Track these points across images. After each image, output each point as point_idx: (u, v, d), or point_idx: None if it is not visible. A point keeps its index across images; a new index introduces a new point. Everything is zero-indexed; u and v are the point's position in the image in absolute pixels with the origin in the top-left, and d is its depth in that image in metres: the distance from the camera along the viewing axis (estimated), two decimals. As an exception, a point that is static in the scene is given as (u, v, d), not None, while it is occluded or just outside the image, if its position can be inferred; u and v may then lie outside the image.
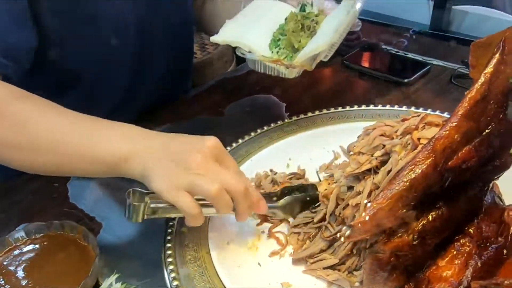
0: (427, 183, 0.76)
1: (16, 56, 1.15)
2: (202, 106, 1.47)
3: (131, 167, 0.92)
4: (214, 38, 1.17)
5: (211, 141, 0.91)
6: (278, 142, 1.20)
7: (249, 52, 1.16)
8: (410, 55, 1.62)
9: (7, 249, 0.99)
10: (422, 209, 0.78)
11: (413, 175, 0.75)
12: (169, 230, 1.00)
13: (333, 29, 1.09)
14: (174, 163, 0.89)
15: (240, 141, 1.20)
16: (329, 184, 0.96)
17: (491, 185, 0.86)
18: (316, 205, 1.00)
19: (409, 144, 0.85)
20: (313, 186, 1.04)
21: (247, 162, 1.15)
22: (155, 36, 1.37)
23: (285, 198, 1.01)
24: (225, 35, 1.18)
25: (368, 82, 1.54)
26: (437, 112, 1.18)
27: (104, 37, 1.27)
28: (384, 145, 0.88)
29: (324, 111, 1.27)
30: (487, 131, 0.79)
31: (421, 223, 0.79)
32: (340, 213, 0.91)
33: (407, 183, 0.75)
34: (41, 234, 1.01)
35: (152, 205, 0.90)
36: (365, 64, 1.59)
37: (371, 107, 1.27)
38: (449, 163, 0.77)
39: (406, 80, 1.48)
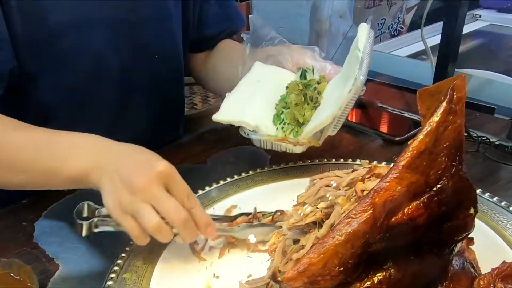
0: (366, 239, 0.68)
1: None
2: (187, 154, 1.42)
3: (91, 181, 0.96)
4: (215, 117, 1.14)
5: (162, 166, 0.91)
6: (246, 191, 1.15)
7: (253, 131, 1.12)
8: (406, 114, 1.55)
9: None
10: (366, 268, 0.71)
11: (349, 229, 0.67)
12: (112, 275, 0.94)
13: (336, 101, 1.04)
14: (123, 184, 0.90)
15: (207, 188, 1.15)
16: (278, 237, 0.89)
17: (457, 249, 0.78)
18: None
19: (353, 196, 0.78)
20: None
21: (209, 210, 1.10)
22: (139, 83, 1.36)
23: (239, 225, 1.00)
24: (226, 113, 1.15)
25: (358, 138, 1.47)
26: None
27: (82, 78, 1.24)
28: (329, 197, 0.81)
29: (300, 163, 1.21)
30: (438, 186, 0.72)
31: (365, 285, 0.71)
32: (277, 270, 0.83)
33: (342, 238, 0.67)
34: None
35: (98, 224, 0.94)
36: (357, 120, 1.53)
37: (349, 161, 1.20)
38: (393, 219, 0.69)
39: (397, 138, 1.41)
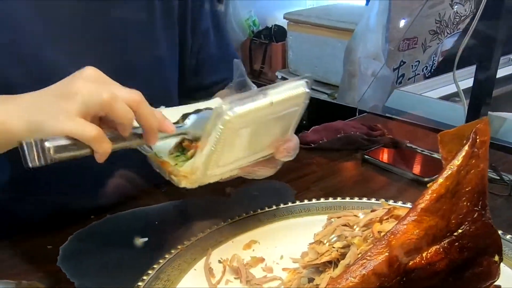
0: (381, 282, 0.65)
1: None
2: (211, 187, 1.40)
3: (15, 128, 0.83)
4: None
5: (90, 69, 0.83)
6: (266, 226, 1.12)
7: (149, 147, 0.98)
8: (436, 155, 1.51)
9: None
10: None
11: (363, 271, 0.64)
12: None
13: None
14: (56, 98, 0.80)
15: (229, 220, 1.13)
16: (294, 275, 0.86)
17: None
18: None
19: (370, 237, 0.74)
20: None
21: (228, 243, 1.07)
22: None
23: (189, 117, 0.94)
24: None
25: (386, 178, 1.43)
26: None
27: None
28: (345, 236, 0.78)
29: (322, 200, 1.17)
30: (459, 231, 0.68)
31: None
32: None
33: (356, 280, 0.64)
34: None
35: (47, 144, 0.76)
36: (386, 159, 1.49)
37: (373, 200, 1.16)
38: (410, 263, 0.66)
39: (426, 179, 1.36)
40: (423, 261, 0.66)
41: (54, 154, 0.77)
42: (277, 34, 3.98)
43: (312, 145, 1.58)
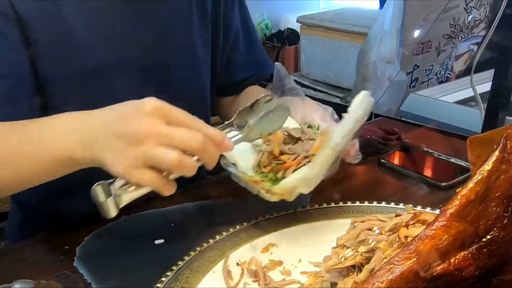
0: (408, 287, 0.63)
1: None
2: (229, 188, 1.39)
3: (81, 160, 0.89)
4: None
5: (150, 103, 0.84)
6: (285, 229, 1.11)
7: (233, 164, 1.09)
8: (453, 160, 1.49)
9: None
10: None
11: (390, 276, 0.63)
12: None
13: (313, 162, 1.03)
14: (122, 141, 0.83)
15: (245, 224, 1.12)
16: (315, 279, 0.84)
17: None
18: None
19: (396, 242, 0.73)
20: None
21: (246, 246, 1.06)
22: None
23: (247, 126, 0.98)
24: None
25: (402, 182, 1.41)
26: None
27: None
28: (370, 241, 0.76)
29: (341, 203, 1.16)
30: (488, 237, 0.66)
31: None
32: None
33: (383, 285, 0.62)
34: None
35: (121, 194, 0.86)
36: (402, 164, 1.47)
37: (392, 204, 1.14)
38: (438, 268, 0.64)
39: (443, 184, 1.35)
40: (451, 267, 0.65)
41: (127, 202, 0.88)
42: (290, 37, 3.97)
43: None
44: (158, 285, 0.95)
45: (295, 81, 3.30)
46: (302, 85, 3.36)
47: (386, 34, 2.88)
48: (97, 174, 1.26)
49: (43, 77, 1.17)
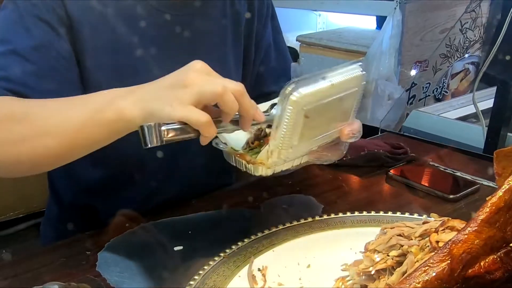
0: (442, 288, 0.65)
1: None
2: (241, 199, 1.41)
3: (132, 118, 0.90)
4: None
5: (199, 63, 0.90)
6: (303, 237, 1.11)
7: (224, 143, 1.10)
8: (458, 173, 1.52)
9: None
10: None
11: (426, 277, 0.65)
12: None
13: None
14: (171, 88, 0.87)
15: (266, 231, 1.13)
16: (343, 283, 0.86)
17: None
18: None
19: (427, 246, 0.75)
20: None
21: (269, 252, 1.07)
22: None
23: (275, 107, 0.96)
24: None
25: (411, 195, 1.44)
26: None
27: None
28: (401, 245, 0.78)
29: (356, 213, 1.17)
30: (514, 242, 0.69)
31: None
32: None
33: (419, 285, 0.65)
34: None
35: (163, 128, 0.86)
36: (410, 177, 1.49)
37: (406, 214, 1.16)
38: (469, 270, 0.67)
39: (451, 196, 1.37)
40: (481, 270, 0.67)
41: (168, 136, 0.86)
42: (290, 55, 3.98)
43: (336, 161, 1.59)
44: (187, 287, 0.96)
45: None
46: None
47: (384, 53, 2.92)
48: (136, 178, 1.30)
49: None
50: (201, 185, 1.44)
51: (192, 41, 1.32)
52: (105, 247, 1.20)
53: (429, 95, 3.09)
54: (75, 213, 1.45)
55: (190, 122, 0.85)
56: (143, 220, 1.30)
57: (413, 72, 3.00)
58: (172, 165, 1.38)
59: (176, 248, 1.18)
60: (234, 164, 1.08)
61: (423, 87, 3.06)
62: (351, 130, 1.04)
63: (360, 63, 1.00)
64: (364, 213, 1.18)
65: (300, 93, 0.90)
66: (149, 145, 0.86)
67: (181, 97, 0.85)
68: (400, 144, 1.64)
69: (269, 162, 0.99)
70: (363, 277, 0.81)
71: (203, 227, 1.28)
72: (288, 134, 0.95)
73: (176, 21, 1.28)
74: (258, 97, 1.51)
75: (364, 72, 0.99)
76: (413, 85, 2.97)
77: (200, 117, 0.85)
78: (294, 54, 3.88)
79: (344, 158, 1.57)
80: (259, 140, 1.07)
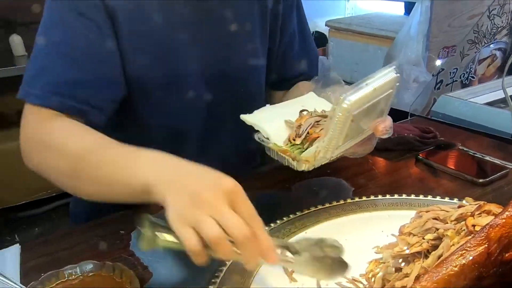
0: (479, 272, 0.63)
1: (101, 106, 1.16)
2: (273, 180, 1.39)
3: (154, 195, 0.88)
4: (243, 116, 1.15)
5: (228, 183, 0.84)
6: (335, 219, 1.09)
7: (267, 138, 1.12)
8: (487, 158, 1.48)
9: (59, 282, 0.97)
10: (473, 302, 0.65)
11: (463, 261, 0.63)
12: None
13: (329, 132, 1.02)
14: (188, 198, 0.83)
15: (298, 213, 1.11)
16: (376, 265, 0.84)
17: None
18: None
19: (463, 230, 0.72)
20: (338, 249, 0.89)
21: (301, 234, 1.05)
22: (224, 116, 1.38)
23: (303, 255, 0.87)
24: (253, 117, 1.15)
25: (440, 178, 1.40)
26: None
27: (173, 114, 1.31)
28: (436, 229, 0.76)
29: (388, 196, 1.15)
30: (551, 227, 0.66)
31: (473, 318, 0.66)
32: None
33: (456, 269, 0.62)
34: (93, 273, 0.99)
35: (160, 237, 0.85)
36: (439, 161, 1.46)
37: (437, 198, 1.14)
38: (506, 254, 0.64)
39: (481, 181, 1.33)
40: (518, 254, 0.65)
41: (161, 244, 0.86)
42: (318, 40, 3.96)
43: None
44: (222, 267, 0.95)
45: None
46: (330, 85, 3.35)
47: (412, 39, 2.88)
48: None
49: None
50: (231, 167, 1.42)
51: (223, 21, 1.31)
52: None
53: (456, 81, 3.04)
54: None
55: (182, 242, 0.82)
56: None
57: (440, 58, 2.95)
58: (202, 145, 1.38)
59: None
60: (276, 158, 1.11)
61: (450, 73, 3.00)
62: (384, 127, 1.06)
63: (394, 67, 1.05)
64: (396, 196, 1.15)
65: (350, 100, 0.96)
66: (140, 250, 0.89)
67: (185, 215, 0.82)
68: (429, 128, 1.61)
69: (315, 161, 1.05)
70: (398, 260, 0.79)
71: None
72: (336, 137, 1.01)
73: (207, 2, 1.27)
74: (281, 81, 1.50)
75: (398, 74, 1.06)
76: (440, 70, 2.92)
77: (188, 244, 0.81)
78: (323, 39, 3.86)
79: (374, 142, 1.56)
80: (300, 136, 1.10)
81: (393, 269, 0.79)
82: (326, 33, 3.72)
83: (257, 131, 1.15)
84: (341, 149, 1.07)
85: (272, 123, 1.14)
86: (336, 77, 1.28)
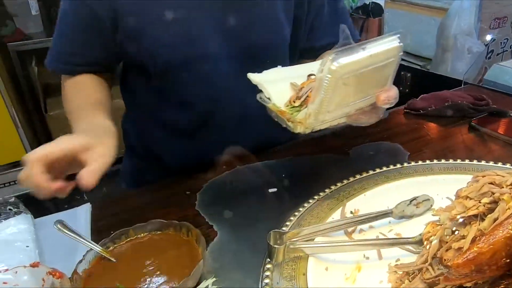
0: (536, 235, 0.61)
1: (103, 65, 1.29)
2: (331, 145, 1.38)
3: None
4: (250, 74, 1.08)
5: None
6: (393, 182, 1.07)
7: (268, 98, 1.04)
8: (540, 125, 1.43)
9: (128, 240, 0.99)
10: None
11: (520, 225, 0.60)
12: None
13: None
14: None
15: (357, 176, 1.10)
16: (433, 227, 0.82)
17: None
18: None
19: (518, 194, 0.70)
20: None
21: (360, 196, 1.04)
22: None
23: None
24: (260, 76, 1.07)
25: (493, 144, 1.36)
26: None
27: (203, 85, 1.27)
28: (492, 193, 0.73)
29: (443, 161, 1.12)
30: None
31: (526, 279, 0.64)
32: (441, 256, 0.76)
33: (512, 232, 0.60)
34: (161, 232, 1.00)
35: (291, 246, 0.86)
36: (492, 127, 1.42)
37: (491, 163, 1.10)
38: None
39: (532, 147, 1.29)
40: None
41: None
42: (374, 10, 3.88)
43: (422, 111, 1.53)
44: (284, 228, 0.95)
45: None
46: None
47: (465, 10, 2.80)
48: (210, 125, 1.29)
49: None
50: (270, 136, 1.41)
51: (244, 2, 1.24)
52: (203, 188, 1.21)
53: (506, 50, 2.96)
54: (145, 164, 1.46)
55: None
56: (238, 163, 1.30)
57: (491, 29, 2.87)
58: (241, 119, 1.34)
59: (270, 190, 1.17)
60: (276, 120, 1.03)
61: (501, 43, 2.93)
62: (387, 96, 0.97)
63: (399, 35, 0.93)
64: (451, 160, 1.13)
65: (340, 63, 0.87)
66: (276, 262, 0.88)
67: None
68: (482, 96, 1.56)
69: (307, 123, 0.96)
70: (455, 222, 0.77)
71: (295, 171, 1.26)
72: (326, 100, 0.91)
73: None
74: (309, 50, 1.40)
75: (401, 44, 0.93)
76: (491, 40, 2.83)
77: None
78: (379, 10, 3.78)
79: (429, 108, 1.52)
80: (300, 98, 1.02)
81: (451, 231, 0.77)
82: (382, 4, 3.65)
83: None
84: (337, 112, 0.97)
85: (277, 84, 1.07)
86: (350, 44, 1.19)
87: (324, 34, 1.40)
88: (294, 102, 1.01)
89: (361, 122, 1.02)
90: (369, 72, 0.92)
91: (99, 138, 0.96)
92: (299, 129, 0.97)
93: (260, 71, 1.12)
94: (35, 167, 0.87)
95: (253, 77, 1.07)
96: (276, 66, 1.20)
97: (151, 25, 1.17)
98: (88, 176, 0.88)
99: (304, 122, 0.96)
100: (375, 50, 0.90)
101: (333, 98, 0.91)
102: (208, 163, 1.28)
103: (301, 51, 1.42)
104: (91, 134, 0.97)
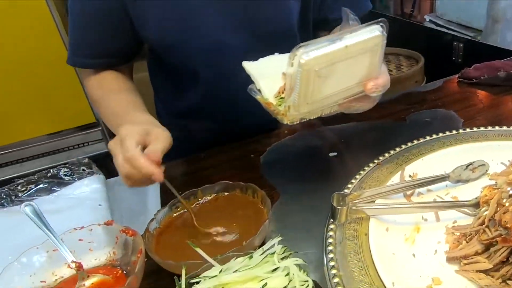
0: None
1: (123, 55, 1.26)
2: (389, 112, 1.35)
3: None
4: (244, 63, 1.01)
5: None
6: (449, 148, 1.04)
7: (259, 90, 0.97)
8: None
9: (198, 200, 1.00)
10: None
11: None
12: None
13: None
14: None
15: (415, 141, 1.07)
16: (490, 191, 0.79)
17: None
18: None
19: None
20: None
21: (418, 161, 1.02)
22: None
23: None
24: (255, 66, 1.01)
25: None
26: None
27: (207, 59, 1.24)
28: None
29: (497, 127, 1.08)
30: None
31: None
32: (499, 218, 0.74)
33: None
34: (228, 193, 1.01)
35: (353, 207, 0.84)
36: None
37: (546, 130, 1.06)
38: None
39: None
40: None
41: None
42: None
43: (474, 80, 1.48)
44: (345, 190, 0.94)
45: (431, 21, 3.14)
46: (437, 24, 3.24)
47: (515, -19, 2.68)
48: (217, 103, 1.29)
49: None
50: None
51: None
52: (267, 151, 1.21)
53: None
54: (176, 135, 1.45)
55: None
56: (299, 129, 1.29)
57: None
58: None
59: (331, 154, 1.16)
60: (267, 110, 0.96)
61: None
62: (374, 84, 0.89)
63: (381, 24, 0.84)
64: (504, 127, 1.08)
65: (310, 56, 0.79)
66: (339, 222, 0.87)
67: None
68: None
69: (288, 115, 0.89)
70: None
71: (354, 136, 1.25)
72: (302, 92, 0.84)
73: None
74: (323, 22, 1.32)
75: (384, 34, 0.85)
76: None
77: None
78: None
79: (481, 77, 1.47)
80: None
81: (508, 195, 0.74)
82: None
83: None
84: (322, 103, 0.90)
85: (269, 74, 0.98)
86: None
87: (336, 7, 1.29)
88: (282, 93, 0.94)
89: (355, 109, 0.97)
90: (348, 62, 0.85)
91: (152, 125, 0.96)
92: (285, 121, 0.91)
93: (268, 41, 1.11)
94: (129, 142, 0.88)
95: (247, 67, 1.01)
96: (284, 35, 1.21)
97: (155, 7, 1.14)
98: (154, 154, 0.88)
99: (286, 114, 0.90)
100: (352, 40, 0.82)
101: (308, 90, 0.85)
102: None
103: (316, 23, 1.34)
104: (141, 125, 0.96)
